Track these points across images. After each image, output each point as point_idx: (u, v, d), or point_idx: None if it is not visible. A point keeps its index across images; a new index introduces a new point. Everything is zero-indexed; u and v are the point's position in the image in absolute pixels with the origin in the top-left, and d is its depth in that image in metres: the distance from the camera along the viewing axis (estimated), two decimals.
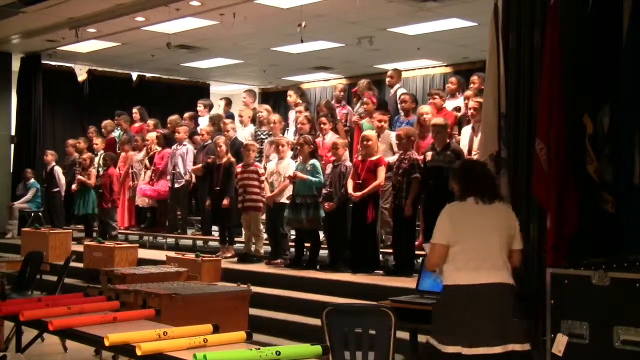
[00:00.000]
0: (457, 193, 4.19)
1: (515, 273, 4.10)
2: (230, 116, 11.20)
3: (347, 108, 9.84)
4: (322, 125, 8.85)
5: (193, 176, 10.51)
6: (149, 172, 11.02)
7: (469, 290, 3.90)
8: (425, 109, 8.24)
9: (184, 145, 10.56)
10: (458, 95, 9.05)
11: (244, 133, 10.15)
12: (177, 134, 10.62)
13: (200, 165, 10.07)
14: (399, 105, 9.05)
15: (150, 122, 11.70)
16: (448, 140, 7.34)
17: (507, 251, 4.01)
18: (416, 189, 7.30)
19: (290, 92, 10.66)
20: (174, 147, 10.67)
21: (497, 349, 3.78)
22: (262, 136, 9.96)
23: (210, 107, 11.90)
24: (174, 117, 11.37)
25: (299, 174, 8.04)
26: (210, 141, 10.06)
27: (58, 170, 12.47)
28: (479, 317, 3.84)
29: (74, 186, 11.53)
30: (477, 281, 3.89)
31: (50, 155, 12.64)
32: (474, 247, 3.95)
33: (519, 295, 4.12)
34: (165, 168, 10.73)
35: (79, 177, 11.39)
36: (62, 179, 12.42)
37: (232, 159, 9.21)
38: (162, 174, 10.78)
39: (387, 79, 10.04)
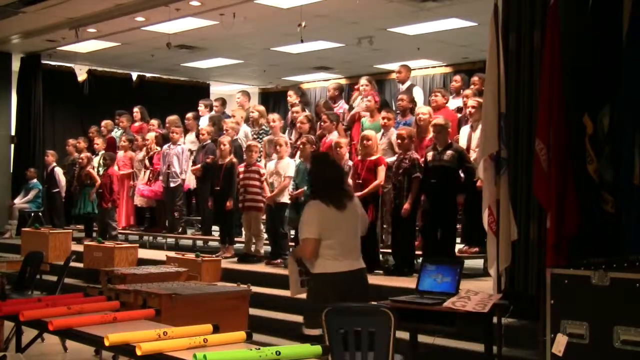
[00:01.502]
0: (315, 193, 4.70)
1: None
2: (227, 116, 11.20)
3: (343, 107, 9.83)
4: (323, 124, 8.85)
5: (188, 176, 10.51)
6: (147, 172, 11.02)
7: (344, 276, 4.51)
8: (422, 109, 8.24)
9: (179, 145, 10.57)
10: (463, 93, 9.06)
11: (239, 134, 10.14)
12: (173, 134, 10.63)
13: (199, 165, 10.07)
14: (395, 104, 9.05)
15: (154, 122, 11.71)
16: (450, 140, 7.33)
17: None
18: (416, 188, 7.30)
19: (290, 92, 10.66)
20: (165, 147, 10.68)
21: None
22: (254, 136, 9.95)
23: (211, 107, 11.91)
24: (173, 118, 11.37)
25: (298, 192, 8.12)
26: (209, 141, 10.06)
27: (58, 170, 12.48)
28: (351, 299, 4.36)
29: (93, 193, 11.44)
30: (350, 268, 4.54)
31: (50, 156, 12.65)
32: (343, 240, 4.53)
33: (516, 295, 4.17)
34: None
35: (90, 170, 11.36)
36: (63, 180, 12.43)
37: (234, 160, 9.20)
38: (160, 174, 10.78)
39: (396, 75, 10.06)
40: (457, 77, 9.67)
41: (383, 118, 8.33)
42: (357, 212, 4.71)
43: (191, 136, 11.08)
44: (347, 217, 4.58)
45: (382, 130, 8.32)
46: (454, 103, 8.87)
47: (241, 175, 8.86)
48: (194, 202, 11.35)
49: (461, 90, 9.18)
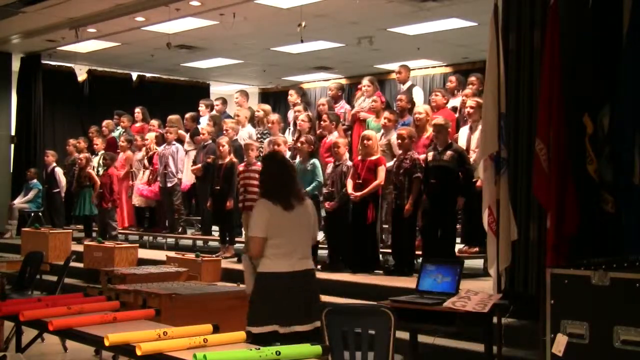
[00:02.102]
0: (264, 192, 4.73)
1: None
2: (228, 116, 11.19)
3: (344, 107, 9.84)
4: (323, 124, 8.85)
5: (185, 176, 10.51)
6: (147, 172, 11.03)
7: (287, 276, 4.51)
8: (419, 108, 8.24)
9: (173, 144, 10.57)
10: (458, 93, 9.05)
11: (242, 133, 10.13)
12: (167, 134, 10.64)
13: (199, 165, 10.07)
14: (395, 104, 9.06)
15: (154, 122, 11.71)
16: (450, 140, 7.33)
17: (310, 241, 4.71)
18: (417, 188, 7.31)
19: (291, 92, 10.65)
20: (162, 147, 10.68)
21: (308, 327, 4.43)
22: (258, 136, 9.95)
23: (211, 107, 11.90)
24: (173, 117, 11.38)
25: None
26: (210, 141, 10.05)
27: (59, 171, 12.46)
28: (294, 299, 4.46)
29: (95, 196, 11.44)
30: (292, 269, 4.52)
31: (51, 156, 12.63)
32: (288, 241, 4.54)
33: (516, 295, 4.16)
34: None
35: (89, 170, 11.35)
36: (63, 180, 12.41)
37: (234, 160, 9.20)
38: (158, 174, 10.78)
39: (396, 75, 10.06)
40: (452, 78, 9.68)
41: (384, 118, 8.34)
42: (309, 214, 4.69)
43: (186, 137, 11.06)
44: (295, 218, 4.58)
45: (382, 131, 8.33)
46: (451, 103, 8.87)
47: (241, 175, 8.85)
48: (194, 202, 11.35)
49: (455, 91, 9.19)
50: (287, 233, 4.54)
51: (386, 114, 8.44)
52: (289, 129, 10.19)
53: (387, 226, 8.27)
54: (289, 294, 4.47)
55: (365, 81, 9.44)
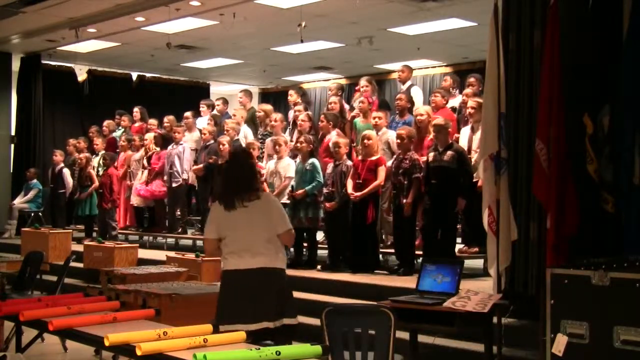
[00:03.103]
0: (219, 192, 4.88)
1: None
2: (229, 116, 11.19)
3: (346, 107, 9.83)
4: (321, 124, 8.85)
5: (190, 176, 10.51)
6: (146, 172, 11.03)
7: (239, 274, 4.54)
8: (420, 110, 8.24)
9: (181, 144, 10.57)
10: (455, 93, 9.04)
11: (239, 134, 10.14)
12: (175, 134, 10.63)
13: (201, 165, 10.07)
14: (395, 104, 9.06)
15: (153, 121, 11.70)
16: (450, 140, 7.33)
17: (272, 238, 4.61)
18: (417, 189, 7.31)
19: (291, 92, 10.65)
20: (170, 147, 10.69)
21: (253, 327, 4.36)
22: (259, 137, 9.95)
23: (212, 107, 11.91)
24: (171, 117, 11.38)
25: (299, 192, 8.05)
26: (212, 141, 10.05)
27: (66, 172, 12.28)
28: (241, 298, 4.48)
29: (87, 195, 11.44)
30: (246, 266, 4.53)
31: (59, 156, 12.47)
32: (238, 239, 4.57)
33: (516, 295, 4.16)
34: (162, 169, 10.72)
35: (90, 170, 11.34)
36: (70, 181, 12.23)
37: None
38: (158, 174, 10.77)
39: (398, 74, 10.08)
40: (447, 77, 9.69)
41: (373, 118, 8.34)
42: (264, 211, 4.62)
43: (191, 135, 11.03)
44: (244, 216, 4.57)
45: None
46: (448, 103, 8.86)
47: None
48: (194, 202, 11.34)
49: (451, 90, 9.19)
50: (235, 232, 4.57)
51: (374, 113, 8.44)
52: (289, 129, 10.19)
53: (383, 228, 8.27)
54: (249, 292, 4.49)
55: (363, 81, 9.46)
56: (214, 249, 4.73)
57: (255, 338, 4.20)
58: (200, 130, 10.78)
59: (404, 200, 7.33)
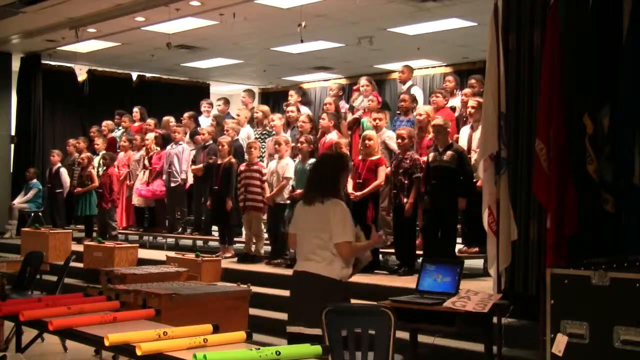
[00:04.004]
0: None
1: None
2: (230, 116, 11.19)
3: (344, 107, 9.84)
4: (321, 123, 8.85)
5: (189, 176, 10.51)
6: (146, 172, 11.03)
7: (292, 275, 4.63)
8: (419, 110, 8.25)
9: (180, 144, 10.57)
10: (456, 93, 9.04)
11: (241, 134, 10.13)
12: (175, 134, 10.64)
13: (201, 165, 10.07)
14: (397, 104, 9.07)
15: (151, 121, 11.70)
16: (450, 140, 7.33)
17: (327, 245, 4.46)
18: (417, 189, 7.31)
19: (291, 92, 10.65)
20: (169, 147, 10.69)
21: (289, 328, 4.49)
22: (257, 136, 9.95)
23: (212, 106, 11.90)
24: (168, 118, 11.39)
25: (298, 192, 8.04)
26: (211, 141, 10.05)
27: (63, 171, 12.33)
28: (291, 300, 4.62)
29: (79, 189, 11.47)
30: (297, 268, 4.58)
31: (56, 156, 12.53)
32: (300, 240, 4.59)
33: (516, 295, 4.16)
34: (161, 168, 10.74)
35: (91, 170, 11.35)
36: (67, 180, 12.30)
37: (233, 160, 9.19)
38: (159, 174, 10.79)
39: (398, 74, 10.11)
40: (450, 78, 9.71)
41: (374, 119, 8.34)
42: (326, 215, 4.47)
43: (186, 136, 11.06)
44: (308, 219, 4.55)
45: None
46: (449, 103, 8.87)
47: (242, 175, 8.85)
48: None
49: (454, 90, 9.21)
50: (299, 232, 4.61)
51: (374, 114, 8.44)
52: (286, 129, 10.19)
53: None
54: (292, 294, 4.63)
55: (363, 80, 9.47)
56: (293, 244, 4.76)
57: (289, 340, 4.35)
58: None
59: (405, 200, 7.34)
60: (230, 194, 9.08)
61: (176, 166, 10.49)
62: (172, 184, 10.51)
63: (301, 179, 8.14)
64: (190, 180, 10.57)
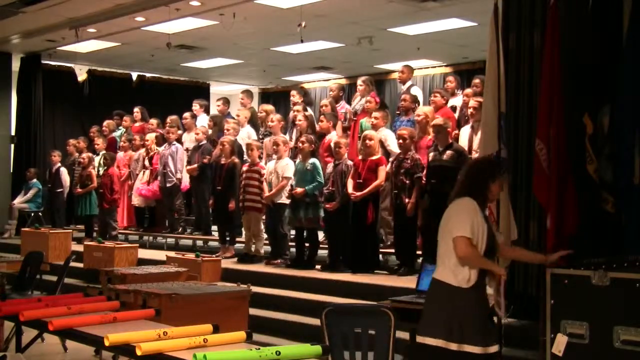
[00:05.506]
0: None
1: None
2: (230, 116, 11.18)
3: (344, 107, 9.84)
4: (320, 123, 8.85)
5: (184, 176, 10.51)
6: (147, 172, 11.03)
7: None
8: (419, 110, 8.25)
9: (174, 144, 10.57)
10: (457, 92, 9.03)
11: (242, 134, 10.13)
12: (168, 134, 10.65)
13: (195, 165, 10.06)
14: (399, 104, 9.07)
15: (153, 121, 11.70)
16: (450, 140, 7.33)
17: (451, 248, 3.97)
18: (419, 188, 7.31)
19: (293, 92, 10.65)
20: (163, 147, 10.69)
21: (418, 338, 3.95)
22: (260, 136, 9.94)
23: (206, 107, 11.89)
24: (173, 118, 11.36)
25: (299, 190, 8.05)
26: (205, 141, 10.06)
27: (63, 171, 12.32)
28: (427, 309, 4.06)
29: (79, 190, 11.46)
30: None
31: (56, 156, 12.53)
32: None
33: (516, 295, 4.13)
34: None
35: (91, 170, 11.36)
36: (67, 180, 12.29)
37: (236, 160, 9.18)
38: (159, 174, 10.79)
39: (398, 74, 10.12)
40: (451, 78, 9.73)
41: (373, 118, 8.34)
42: (447, 218, 4.08)
43: (190, 135, 11.02)
44: (442, 221, 4.13)
45: None
46: (449, 102, 8.87)
47: (243, 175, 8.84)
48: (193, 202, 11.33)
49: (456, 90, 9.21)
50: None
51: (374, 113, 8.45)
52: (289, 129, 10.19)
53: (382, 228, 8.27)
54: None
55: (359, 81, 9.51)
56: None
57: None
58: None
59: (406, 200, 7.34)
60: (234, 194, 9.07)
61: (171, 166, 10.50)
62: (168, 184, 10.52)
63: (301, 179, 8.14)
64: (186, 180, 10.57)
